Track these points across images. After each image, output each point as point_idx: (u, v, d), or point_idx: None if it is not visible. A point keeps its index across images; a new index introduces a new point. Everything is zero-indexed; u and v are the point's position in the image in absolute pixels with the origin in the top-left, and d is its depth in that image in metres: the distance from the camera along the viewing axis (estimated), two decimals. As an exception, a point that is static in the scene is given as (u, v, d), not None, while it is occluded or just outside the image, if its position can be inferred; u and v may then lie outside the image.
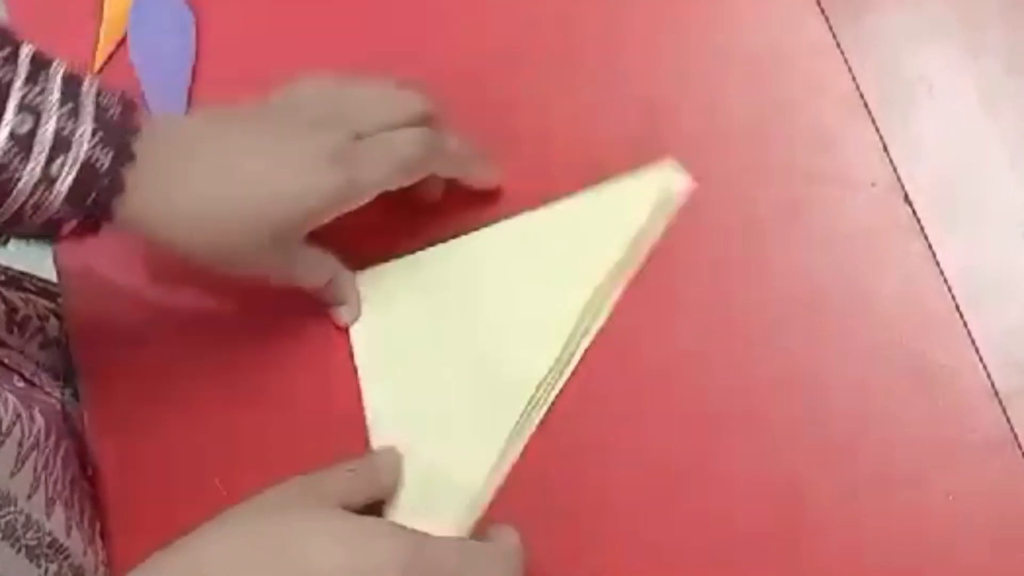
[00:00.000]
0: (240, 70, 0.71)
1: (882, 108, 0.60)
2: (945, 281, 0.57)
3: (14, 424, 0.54)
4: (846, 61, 0.61)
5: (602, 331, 0.61)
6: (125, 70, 0.71)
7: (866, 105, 0.60)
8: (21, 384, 0.59)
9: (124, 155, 0.52)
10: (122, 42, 0.72)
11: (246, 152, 0.56)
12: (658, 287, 0.61)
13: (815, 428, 0.57)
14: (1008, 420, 0.54)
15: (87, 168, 0.51)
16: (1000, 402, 0.54)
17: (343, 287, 0.63)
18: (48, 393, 0.61)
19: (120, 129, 0.52)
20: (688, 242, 0.61)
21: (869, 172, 0.59)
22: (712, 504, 0.57)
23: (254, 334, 0.66)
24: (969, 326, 0.56)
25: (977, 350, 0.55)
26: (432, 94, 0.63)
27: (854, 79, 0.60)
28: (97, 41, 0.72)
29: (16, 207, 0.52)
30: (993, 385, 0.55)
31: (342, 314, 0.63)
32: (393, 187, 0.59)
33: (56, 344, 0.69)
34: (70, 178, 0.51)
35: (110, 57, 0.72)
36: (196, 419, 0.65)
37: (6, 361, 0.60)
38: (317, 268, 0.61)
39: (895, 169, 0.59)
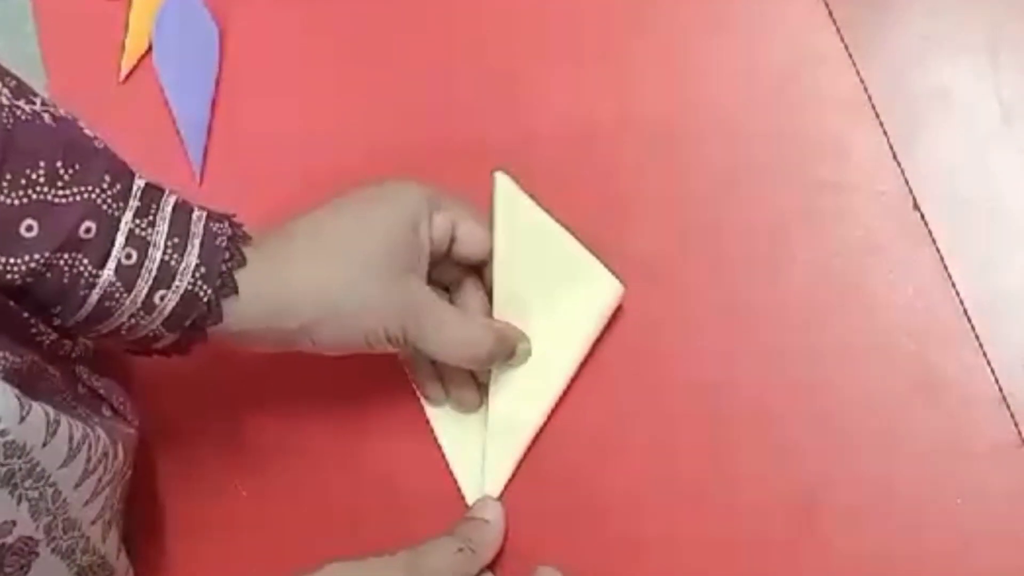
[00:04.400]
0: (263, 82, 0.72)
1: (892, 116, 0.60)
2: (954, 287, 0.58)
3: (99, 463, 0.56)
4: (857, 71, 0.61)
5: (616, 332, 0.62)
6: (150, 81, 0.72)
7: (876, 113, 0.60)
8: (109, 414, 0.61)
9: (226, 288, 0.54)
10: (147, 53, 0.73)
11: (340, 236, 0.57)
12: (669, 289, 0.62)
13: (824, 433, 0.58)
14: (1016, 425, 0.55)
15: (189, 296, 0.54)
16: (1008, 408, 0.55)
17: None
18: (130, 423, 0.63)
19: (224, 262, 0.54)
20: (707, 244, 0.62)
21: (879, 180, 0.60)
22: (723, 504, 0.59)
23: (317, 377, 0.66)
24: (978, 332, 0.57)
25: (986, 356, 0.56)
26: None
27: (864, 88, 0.61)
28: (123, 52, 0.73)
29: (114, 326, 0.54)
30: (1002, 391, 0.55)
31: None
32: None
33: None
34: (170, 306, 0.54)
35: (135, 68, 0.72)
36: (222, 422, 0.67)
37: (102, 392, 0.61)
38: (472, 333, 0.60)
39: (905, 177, 0.59)
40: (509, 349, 0.61)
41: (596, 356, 0.62)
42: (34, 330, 0.56)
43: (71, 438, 0.53)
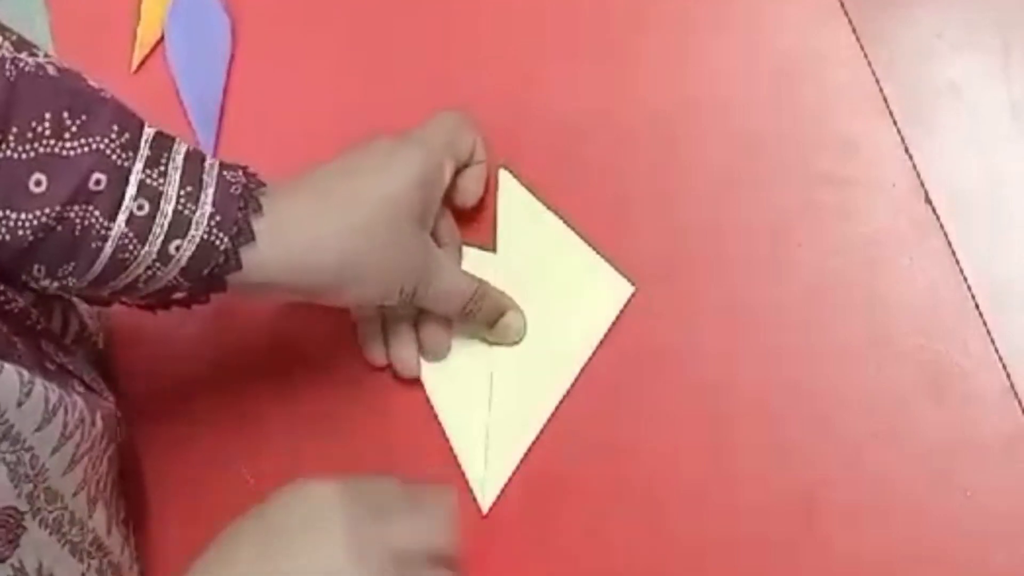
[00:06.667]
0: (275, 73, 0.72)
1: (904, 109, 0.60)
2: (964, 280, 0.57)
3: (76, 428, 0.55)
4: (869, 63, 0.61)
5: (617, 331, 0.62)
6: (162, 72, 0.72)
7: (888, 106, 0.60)
8: (82, 390, 0.60)
9: (243, 236, 0.54)
10: (159, 44, 0.73)
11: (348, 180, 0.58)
12: (676, 284, 0.61)
13: (825, 432, 0.57)
14: (1026, 418, 0.54)
15: (205, 246, 0.53)
16: (1018, 399, 0.54)
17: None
18: (106, 398, 0.62)
19: (240, 210, 0.53)
20: (713, 241, 0.62)
21: (890, 173, 0.59)
22: (723, 504, 0.58)
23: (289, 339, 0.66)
24: (988, 324, 0.56)
25: (996, 348, 0.55)
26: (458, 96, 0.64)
27: (876, 81, 0.61)
28: (135, 42, 0.73)
29: (130, 279, 0.53)
30: (1011, 382, 0.55)
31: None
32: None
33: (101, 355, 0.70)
34: (187, 256, 0.53)
35: (147, 58, 0.73)
36: (226, 404, 0.66)
37: (71, 368, 0.61)
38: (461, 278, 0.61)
39: (916, 170, 0.59)
40: (494, 309, 0.61)
41: (596, 356, 0.62)
42: (2, 298, 0.55)
43: (47, 400, 0.52)
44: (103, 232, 0.51)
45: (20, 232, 0.50)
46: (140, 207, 0.52)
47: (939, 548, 0.54)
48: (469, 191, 0.63)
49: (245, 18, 0.72)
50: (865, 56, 0.61)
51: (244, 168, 0.56)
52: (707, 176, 0.63)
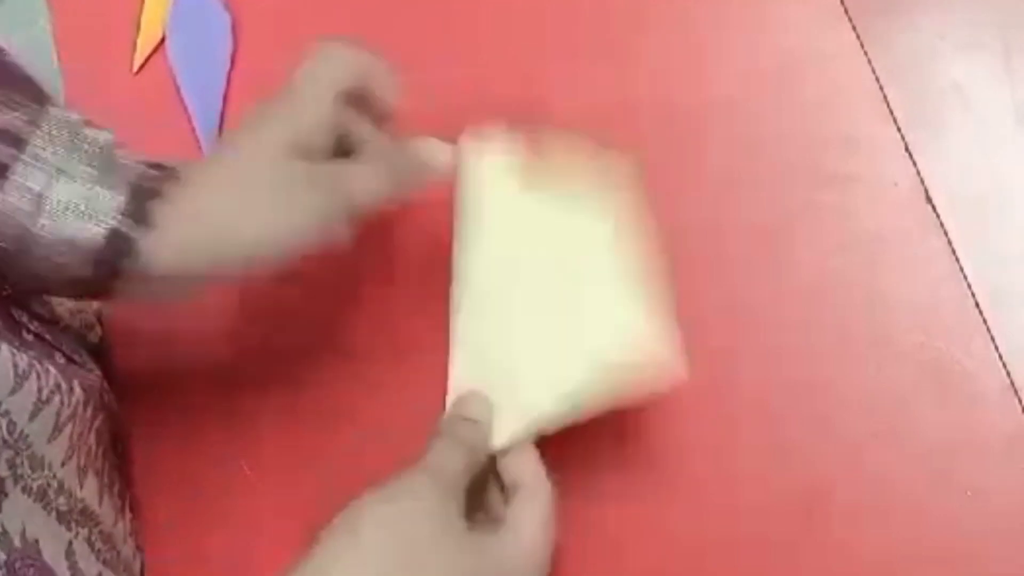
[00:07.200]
0: (276, 72, 0.71)
1: (906, 110, 0.60)
2: (965, 278, 0.57)
3: (53, 394, 0.54)
4: (870, 63, 0.61)
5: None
6: (163, 71, 0.72)
7: (889, 106, 0.60)
8: (62, 360, 0.60)
9: (145, 224, 0.52)
10: (160, 43, 0.73)
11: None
12: (676, 284, 0.61)
13: (825, 432, 0.57)
14: (1027, 417, 0.54)
15: (114, 235, 0.52)
16: (1018, 398, 0.54)
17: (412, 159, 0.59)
18: (89, 370, 0.62)
19: (144, 202, 0.52)
20: (713, 241, 0.61)
21: (891, 172, 0.59)
22: (723, 504, 0.58)
23: (282, 321, 0.66)
24: (988, 322, 0.56)
25: (996, 346, 0.55)
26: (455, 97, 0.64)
27: (878, 81, 0.61)
28: (136, 42, 0.73)
29: (35, 265, 0.52)
30: (1012, 381, 0.54)
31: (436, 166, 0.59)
32: None
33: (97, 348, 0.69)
34: (96, 244, 0.52)
35: (148, 58, 0.73)
36: (224, 397, 0.66)
37: (48, 338, 0.60)
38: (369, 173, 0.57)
39: (917, 169, 0.59)
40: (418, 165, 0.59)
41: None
42: None
43: (15, 366, 0.51)
44: None
45: None
46: (49, 186, 0.51)
47: (939, 548, 0.54)
48: (424, 163, 0.60)
49: (246, 16, 0.72)
50: (867, 57, 0.61)
51: (153, 162, 0.54)
52: (707, 176, 0.63)
